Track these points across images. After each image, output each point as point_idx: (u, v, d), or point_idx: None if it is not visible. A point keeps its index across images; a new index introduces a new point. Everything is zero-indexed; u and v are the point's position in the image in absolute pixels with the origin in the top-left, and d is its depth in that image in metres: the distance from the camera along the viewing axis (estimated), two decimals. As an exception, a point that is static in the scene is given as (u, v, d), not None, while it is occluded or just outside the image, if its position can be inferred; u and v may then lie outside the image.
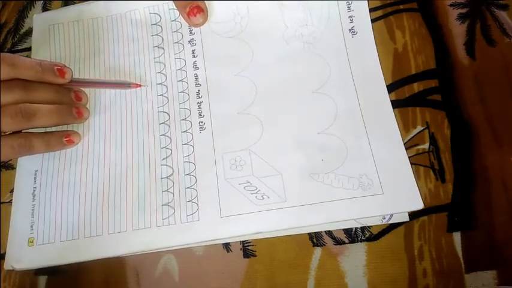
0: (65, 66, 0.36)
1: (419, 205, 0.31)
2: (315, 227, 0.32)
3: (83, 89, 0.38)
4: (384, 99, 0.34)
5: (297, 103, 0.35)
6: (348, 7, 0.37)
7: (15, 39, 0.42)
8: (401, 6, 0.38)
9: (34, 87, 0.34)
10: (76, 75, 0.39)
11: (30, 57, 0.40)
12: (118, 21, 0.40)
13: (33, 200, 0.35)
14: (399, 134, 0.33)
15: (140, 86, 0.38)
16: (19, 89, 0.33)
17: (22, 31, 0.43)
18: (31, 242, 0.34)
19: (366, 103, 0.34)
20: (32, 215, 0.35)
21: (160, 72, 0.38)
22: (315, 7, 0.38)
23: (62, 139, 0.36)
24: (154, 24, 0.40)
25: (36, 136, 0.35)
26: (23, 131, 0.35)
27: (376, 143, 0.33)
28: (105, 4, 0.41)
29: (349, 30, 0.37)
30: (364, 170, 0.32)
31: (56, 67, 0.35)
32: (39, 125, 0.35)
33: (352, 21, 0.37)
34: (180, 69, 0.38)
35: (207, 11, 0.38)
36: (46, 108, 0.34)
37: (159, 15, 0.40)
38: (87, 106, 0.38)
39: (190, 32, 0.39)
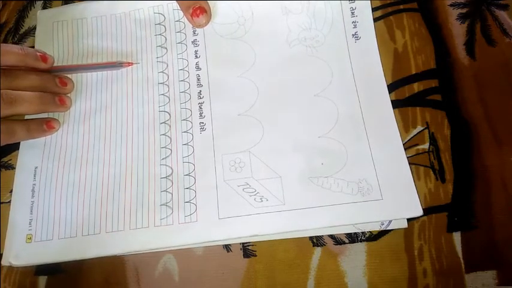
0: (47, 54, 0.37)
1: (418, 212, 0.31)
2: (312, 231, 0.32)
3: (74, 75, 0.39)
4: (386, 105, 0.34)
5: (298, 106, 0.35)
6: (352, 12, 0.37)
7: (15, 39, 0.42)
8: (401, 6, 0.38)
9: (16, 74, 0.35)
10: (79, 74, 0.39)
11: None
12: (122, 20, 0.40)
13: (33, 196, 0.35)
14: (400, 140, 0.33)
15: (132, 64, 0.38)
16: (1, 77, 0.34)
17: (22, 31, 0.43)
18: (29, 238, 0.34)
19: (367, 108, 0.34)
20: (31, 211, 0.35)
21: (162, 72, 0.38)
22: (319, 11, 0.38)
23: (42, 125, 0.37)
24: (158, 24, 0.40)
25: (17, 122, 0.36)
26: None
27: (376, 149, 0.33)
28: (109, 3, 0.41)
29: (353, 35, 0.37)
30: (363, 175, 0.32)
31: (38, 53, 0.36)
32: (21, 112, 0.35)
33: (355, 26, 0.37)
34: (183, 69, 0.38)
35: (210, 11, 0.38)
36: (28, 95, 0.35)
37: (163, 15, 0.40)
38: (89, 98, 0.38)
39: (194, 33, 0.39)
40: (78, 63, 0.39)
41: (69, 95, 0.38)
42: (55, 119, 0.37)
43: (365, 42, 0.36)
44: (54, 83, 0.37)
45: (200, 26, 0.39)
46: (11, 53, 0.35)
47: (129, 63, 0.38)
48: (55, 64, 0.39)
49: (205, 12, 0.38)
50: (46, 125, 0.37)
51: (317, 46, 0.37)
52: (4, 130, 0.34)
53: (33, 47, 0.41)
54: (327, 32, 0.37)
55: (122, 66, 0.38)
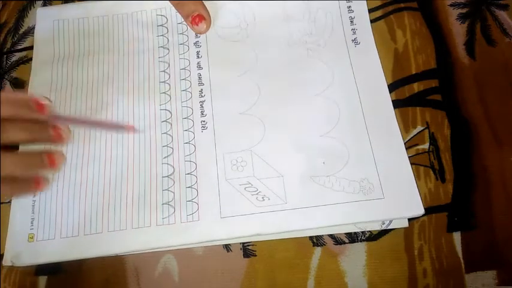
0: (45, 98, 0.30)
1: (420, 211, 0.31)
2: (314, 230, 0.32)
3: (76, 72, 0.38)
4: (387, 105, 0.35)
5: (300, 105, 0.35)
6: (351, 21, 0.38)
7: (15, 39, 0.42)
8: (401, 5, 0.38)
9: (4, 128, 0.28)
10: (80, 73, 0.39)
11: (31, 53, 0.40)
12: (124, 21, 0.40)
13: (34, 196, 0.35)
14: (401, 139, 0.33)
15: (133, 127, 0.35)
16: None
17: (22, 31, 0.42)
18: (31, 238, 0.34)
19: (368, 108, 0.35)
20: (33, 211, 0.34)
21: (164, 71, 0.38)
22: (319, 19, 0.38)
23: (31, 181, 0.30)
24: (160, 25, 0.40)
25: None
26: None
27: (378, 148, 0.33)
28: (112, 4, 0.41)
29: (352, 40, 0.37)
30: (365, 174, 0.32)
31: (33, 101, 0.29)
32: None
33: (354, 33, 0.38)
34: (184, 68, 0.38)
35: (209, 18, 0.39)
36: (9, 159, 0.28)
37: (166, 17, 0.40)
38: (90, 97, 0.37)
39: (196, 35, 0.39)
40: (77, 63, 0.39)
41: (68, 102, 0.37)
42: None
43: (365, 47, 0.37)
44: (47, 136, 0.30)
45: (200, 32, 0.39)
46: (4, 104, 0.28)
47: (131, 126, 0.35)
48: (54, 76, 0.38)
49: (204, 19, 0.38)
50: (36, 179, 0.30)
51: (318, 49, 0.37)
52: None
53: (32, 46, 0.41)
54: (327, 37, 0.38)
55: (122, 130, 0.36)
